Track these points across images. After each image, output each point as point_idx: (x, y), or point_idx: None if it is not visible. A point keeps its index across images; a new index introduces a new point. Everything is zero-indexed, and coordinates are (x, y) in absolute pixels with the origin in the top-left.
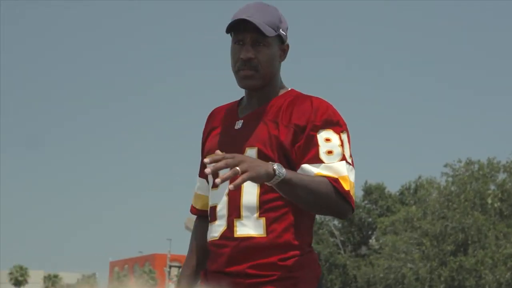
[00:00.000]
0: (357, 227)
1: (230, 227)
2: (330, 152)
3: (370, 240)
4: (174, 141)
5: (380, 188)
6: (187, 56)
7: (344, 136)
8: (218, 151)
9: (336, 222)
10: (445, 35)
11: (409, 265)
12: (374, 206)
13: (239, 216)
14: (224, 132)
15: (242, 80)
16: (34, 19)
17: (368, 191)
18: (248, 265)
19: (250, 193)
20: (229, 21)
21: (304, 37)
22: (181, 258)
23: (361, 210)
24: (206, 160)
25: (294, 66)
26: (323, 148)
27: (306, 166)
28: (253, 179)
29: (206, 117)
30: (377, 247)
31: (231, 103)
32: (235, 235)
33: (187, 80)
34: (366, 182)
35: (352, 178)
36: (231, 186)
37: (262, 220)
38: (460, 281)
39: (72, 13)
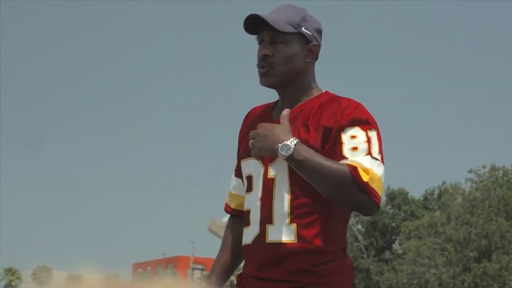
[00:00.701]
0: (381, 232)
1: (263, 232)
2: (355, 149)
3: (394, 245)
4: (201, 141)
5: (403, 193)
6: (187, 56)
7: (372, 134)
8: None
9: (359, 226)
10: (463, 37)
11: (432, 270)
12: (397, 211)
13: (271, 222)
14: None
15: (260, 78)
16: (34, 19)
17: (391, 196)
18: (280, 271)
19: (282, 198)
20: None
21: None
22: (204, 261)
23: (384, 215)
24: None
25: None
26: (347, 145)
27: None
28: (260, 154)
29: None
30: (400, 251)
31: (267, 104)
32: (267, 241)
33: (187, 80)
34: (389, 187)
35: (377, 172)
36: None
37: (294, 226)
38: (484, 287)
39: (72, 13)
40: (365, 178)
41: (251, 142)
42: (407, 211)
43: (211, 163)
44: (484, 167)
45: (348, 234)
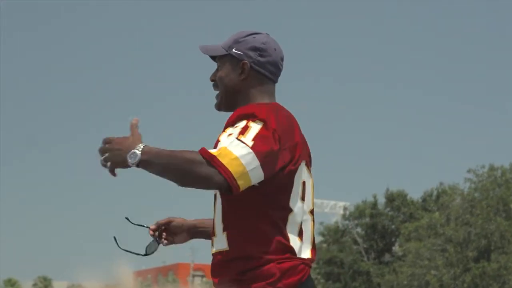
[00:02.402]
0: (380, 234)
1: (212, 244)
2: (230, 135)
3: (394, 247)
4: (198, 142)
5: (402, 195)
6: (188, 56)
7: (253, 124)
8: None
9: (359, 229)
10: (461, 35)
11: (433, 271)
12: (396, 213)
13: (214, 234)
14: None
15: None
16: (34, 18)
17: (390, 198)
18: (217, 280)
19: (218, 208)
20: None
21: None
22: (204, 268)
23: (383, 217)
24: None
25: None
26: (227, 133)
27: None
28: (114, 166)
29: None
30: (400, 253)
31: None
32: (212, 252)
33: (188, 81)
34: (387, 189)
35: (233, 150)
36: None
37: (225, 234)
38: (484, 287)
39: (72, 12)
40: (214, 153)
41: (104, 157)
42: (406, 212)
43: None
44: (483, 167)
45: (347, 237)
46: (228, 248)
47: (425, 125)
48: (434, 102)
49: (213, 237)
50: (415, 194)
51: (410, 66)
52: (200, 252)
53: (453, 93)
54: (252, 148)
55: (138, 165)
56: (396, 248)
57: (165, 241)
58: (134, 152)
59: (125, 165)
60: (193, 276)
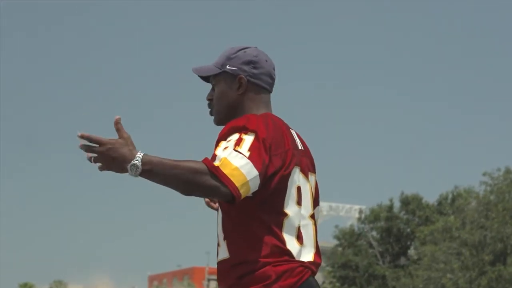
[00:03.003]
0: (396, 238)
1: (217, 254)
2: (225, 148)
3: (409, 251)
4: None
5: (417, 199)
6: (188, 56)
7: (247, 136)
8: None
9: (374, 233)
10: (480, 43)
11: (448, 275)
12: (411, 217)
13: (218, 244)
14: None
15: None
16: (34, 18)
17: (405, 201)
18: (221, 287)
19: (219, 219)
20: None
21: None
22: None
23: (399, 221)
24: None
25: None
26: (222, 147)
27: None
28: (107, 170)
29: None
30: (415, 257)
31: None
32: (217, 261)
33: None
34: (402, 193)
35: (233, 161)
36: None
37: (225, 243)
38: None
39: (72, 12)
40: (216, 164)
41: (95, 159)
42: (421, 216)
43: None
44: (499, 170)
45: (362, 240)
46: (228, 256)
47: (441, 129)
48: (449, 107)
49: (218, 247)
50: (430, 197)
51: (425, 72)
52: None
53: (468, 97)
54: (249, 158)
55: (140, 175)
56: (411, 251)
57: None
58: (135, 164)
59: (119, 172)
60: (209, 280)
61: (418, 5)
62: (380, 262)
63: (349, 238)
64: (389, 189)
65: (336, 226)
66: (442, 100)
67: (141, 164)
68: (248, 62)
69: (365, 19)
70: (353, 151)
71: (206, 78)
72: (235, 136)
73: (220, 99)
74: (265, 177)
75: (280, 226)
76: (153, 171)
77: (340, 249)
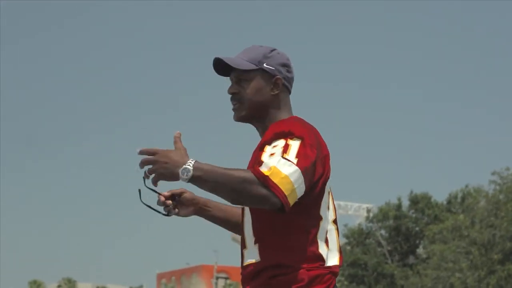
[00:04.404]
0: (404, 237)
1: (242, 256)
2: (272, 154)
3: (418, 250)
4: (225, 151)
5: (426, 197)
6: (189, 57)
7: (293, 142)
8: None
9: (383, 231)
10: (494, 43)
11: (457, 274)
12: (421, 215)
13: (245, 246)
14: None
15: (233, 114)
16: (34, 18)
17: (414, 200)
18: (248, 287)
19: (248, 222)
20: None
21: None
22: (228, 270)
23: (407, 219)
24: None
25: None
26: (267, 153)
27: None
28: (161, 179)
29: None
30: (424, 256)
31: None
32: (243, 264)
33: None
34: (411, 192)
35: (282, 169)
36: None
37: (257, 246)
38: None
39: (72, 12)
40: (266, 172)
41: (149, 169)
42: (430, 215)
43: None
44: (508, 169)
45: (371, 239)
46: (260, 259)
47: (450, 128)
48: (458, 105)
49: (243, 249)
50: (440, 196)
51: (435, 70)
52: (224, 254)
53: (477, 95)
54: (297, 165)
55: (190, 180)
56: (420, 250)
57: (175, 211)
58: (186, 168)
59: (172, 178)
60: (217, 278)
61: (418, 5)
62: (389, 261)
63: (357, 236)
64: (398, 188)
65: (345, 225)
66: (452, 99)
67: (193, 169)
68: (284, 65)
69: (373, 20)
70: (361, 150)
71: (224, 71)
72: (281, 142)
73: (254, 95)
74: (311, 184)
75: (316, 231)
76: (203, 178)
77: (348, 247)
